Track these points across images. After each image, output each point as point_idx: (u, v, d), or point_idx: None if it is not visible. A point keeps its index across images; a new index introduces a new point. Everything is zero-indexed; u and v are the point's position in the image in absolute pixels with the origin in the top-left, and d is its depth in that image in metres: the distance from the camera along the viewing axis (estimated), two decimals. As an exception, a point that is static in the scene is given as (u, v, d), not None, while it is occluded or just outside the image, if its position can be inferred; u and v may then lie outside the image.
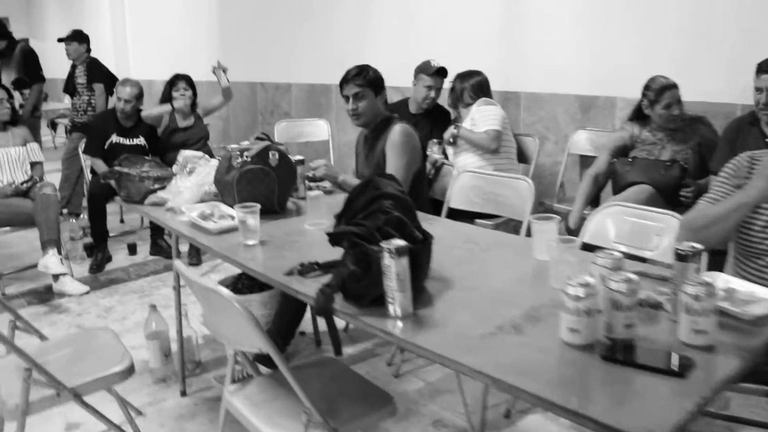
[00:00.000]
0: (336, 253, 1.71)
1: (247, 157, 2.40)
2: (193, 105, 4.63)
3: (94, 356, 2.14)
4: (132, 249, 4.62)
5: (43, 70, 5.94)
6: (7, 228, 3.92)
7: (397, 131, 2.81)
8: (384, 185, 1.79)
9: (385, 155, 2.83)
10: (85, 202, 5.26)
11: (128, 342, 2.41)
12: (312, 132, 5.06)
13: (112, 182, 2.77)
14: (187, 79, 4.57)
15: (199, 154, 2.90)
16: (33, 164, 4.22)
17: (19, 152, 4.13)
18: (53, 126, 9.74)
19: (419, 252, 1.63)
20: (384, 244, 1.50)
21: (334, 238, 1.68)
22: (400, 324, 1.51)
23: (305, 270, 1.84)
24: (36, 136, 5.24)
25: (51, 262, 3.66)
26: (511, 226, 3.03)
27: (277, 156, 2.45)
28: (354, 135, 3.41)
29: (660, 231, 2.15)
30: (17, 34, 13.65)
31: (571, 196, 3.78)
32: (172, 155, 4.42)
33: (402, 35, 5.21)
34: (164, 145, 4.50)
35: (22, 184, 3.96)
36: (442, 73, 3.88)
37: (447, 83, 3.87)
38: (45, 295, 3.94)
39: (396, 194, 1.76)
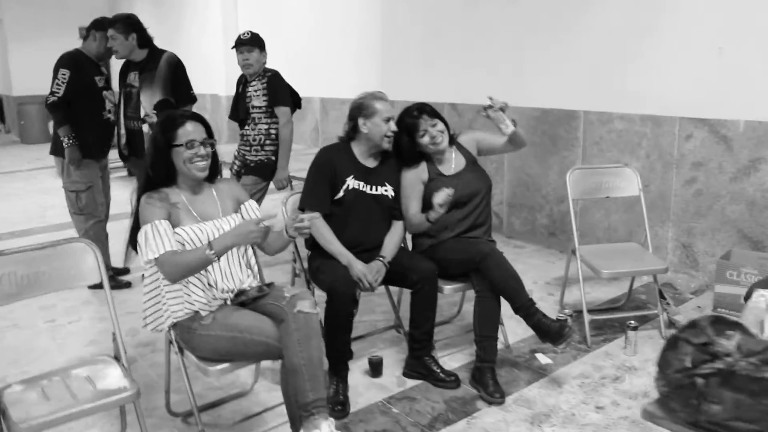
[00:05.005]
0: None
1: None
2: (452, 138, 3.07)
3: None
4: (376, 368, 3.01)
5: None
6: (226, 365, 2.31)
7: None
8: None
9: None
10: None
11: None
12: (615, 185, 3.43)
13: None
14: (429, 111, 2.99)
15: None
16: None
17: (237, 224, 2.38)
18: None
19: None
20: None
21: None
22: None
23: None
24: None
25: (325, 444, 2.05)
26: None
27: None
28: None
29: None
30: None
31: None
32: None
33: (707, 48, 3.57)
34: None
35: (253, 298, 2.38)
36: None
37: None
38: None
39: None
